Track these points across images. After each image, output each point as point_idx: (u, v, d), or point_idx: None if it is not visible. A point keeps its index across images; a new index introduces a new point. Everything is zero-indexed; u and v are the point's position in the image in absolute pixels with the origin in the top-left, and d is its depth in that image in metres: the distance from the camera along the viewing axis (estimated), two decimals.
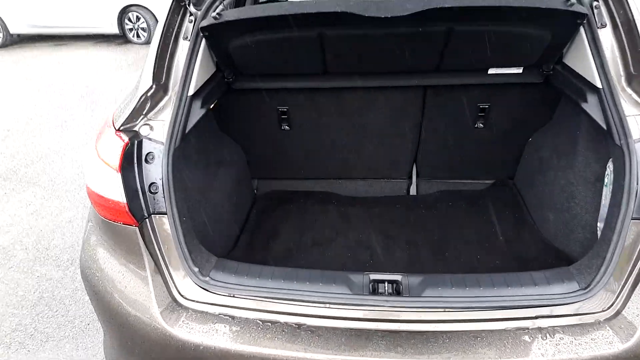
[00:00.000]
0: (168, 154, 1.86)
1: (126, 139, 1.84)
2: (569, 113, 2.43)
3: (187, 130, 1.98)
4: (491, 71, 2.41)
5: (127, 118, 1.91)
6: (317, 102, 2.67)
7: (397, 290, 1.79)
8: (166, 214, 1.82)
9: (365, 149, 2.89)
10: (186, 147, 2.14)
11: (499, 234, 2.62)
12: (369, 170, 3.02)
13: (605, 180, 2.02)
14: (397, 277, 1.82)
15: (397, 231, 2.71)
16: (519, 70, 2.40)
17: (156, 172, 1.84)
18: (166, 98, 1.99)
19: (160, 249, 1.82)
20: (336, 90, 2.60)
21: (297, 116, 2.74)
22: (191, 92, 2.01)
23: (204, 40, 2.09)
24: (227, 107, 2.69)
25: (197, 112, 2.06)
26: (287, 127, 2.79)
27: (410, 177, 3.06)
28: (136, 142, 1.85)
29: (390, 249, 2.57)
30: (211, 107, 2.22)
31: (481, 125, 2.71)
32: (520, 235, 2.57)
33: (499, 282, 1.80)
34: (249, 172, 3.04)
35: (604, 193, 2.06)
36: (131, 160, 1.83)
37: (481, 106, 2.62)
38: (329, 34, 2.12)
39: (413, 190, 3.05)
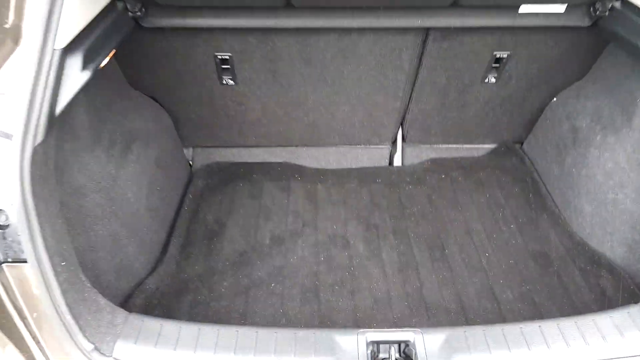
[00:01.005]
0: (22, 157, 1.07)
1: None
2: (622, 70, 1.79)
3: (57, 110, 1.18)
4: (523, 9, 1.70)
5: None
6: (273, 48, 1.87)
7: (408, 357, 1.20)
8: (27, 261, 1.07)
9: (340, 108, 2.16)
10: (64, 131, 1.35)
11: (509, 221, 2.05)
12: (342, 136, 2.32)
13: None
14: (406, 334, 1.22)
15: (380, 217, 2.09)
16: (562, 9, 1.70)
17: (1, 191, 1.07)
18: (16, 53, 1.15)
19: (25, 321, 1.09)
20: (302, 32, 1.81)
21: (244, 66, 1.94)
22: (62, 42, 1.17)
23: None
24: (138, 53, 1.84)
25: (77, 76, 1.24)
26: (230, 80, 1.99)
27: (395, 143, 2.39)
28: None
29: (373, 246, 1.96)
30: (102, 64, 1.39)
31: (493, 79, 2.04)
32: (538, 224, 2.01)
33: (553, 336, 1.23)
34: (180, 140, 2.26)
35: None
36: None
37: (498, 55, 1.93)
38: None
39: (397, 160, 2.39)
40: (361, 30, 1.80)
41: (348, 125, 2.24)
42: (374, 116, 2.20)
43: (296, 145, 2.36)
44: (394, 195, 2.21)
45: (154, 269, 1.79)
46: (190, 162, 2.35)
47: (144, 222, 1.76)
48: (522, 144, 2.40)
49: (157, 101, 2.05)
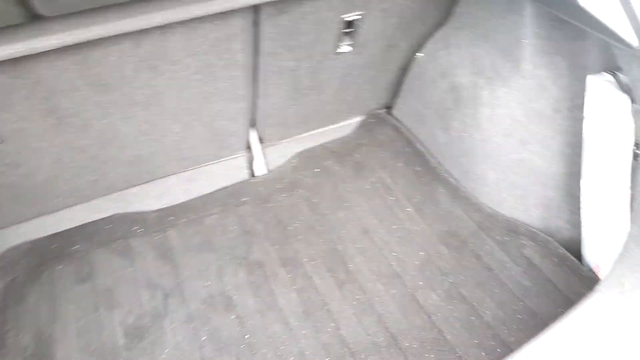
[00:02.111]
0: None
1: None
2: (493, 7, 1.52)
3: None
4: None
5: None
6: (40, 80, 1.22)
7: None
8: None
9: (168, 130, 1.60)
10: None
11: (404, 204, 1.76)
12: (182, 161, 1.77)
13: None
14: None
15: (261, 248, 1.65)
16: None
17: None
18: None
19: None
20: (78, 50, 1.19)
21: (4, 116, 1.26)
22: None
23: None
24: None
25: None
26: None
27: (250, 148, 1.92)
28: None
29: (265, 292, 1.52)
30: None
31: (347, 47, 1.65)
32: (437, 200, 1.75)
33: None
34: None
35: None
36: None
37: (348, 19, 1.53)
38: None
39: (260, 167, 1.93)
40: (164, 28, 1.25)
41: (186, 147, 1.70)
42: (216, 127, 1.69)
43: (124, 188, 1.75)
44: (268, 213, 1.76)
45: None
46: None
47: None
48: (389, 107, 2.10)
49: None
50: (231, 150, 1.84)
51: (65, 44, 1.12)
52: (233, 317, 1.46)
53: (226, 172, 1.87)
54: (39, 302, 1.49)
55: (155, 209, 1.77)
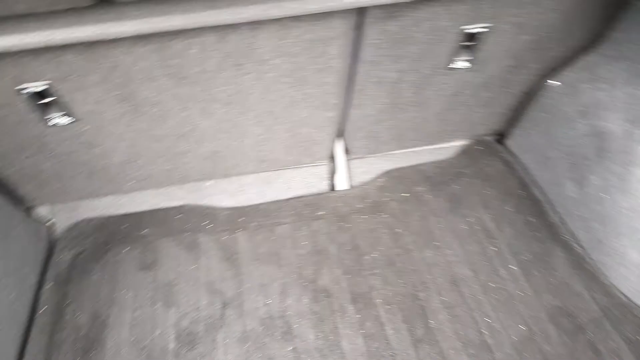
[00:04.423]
0: None
1: None
2: None
3: None
4: None
5: None
6: (117, 65, 1.15)
7: None
8: None
9: (249, 131, 1.49)
10: None
11: (507, 258, 1.47)
12: (261, 162, 1.65)
13: None
14: None
15: (331, 274, 1.49)
16: None
17: None
18: None
19: None
20: (157, 39, 1.10)
21: (79, 97, 1.22)
22: None
23: None
24: None
25: None
26: (63, 118, 1.27)
27: (332, 158, 1.75)
28: None
29: (328, 328, 1.37)
30: None
31: (464, 63, 1.41)
32: (552, 265, 1.44)
33: None
34: (15, 204, 1.52)
35: None
36: None
37: (470, 30, 1.29)
38: None
39: (341, 180, 1.76)
40: (254, 24, 1.11)
41: (266, 149, 1.58)
42: (300, 134, 1.55)
43: (199, 180, 1.68)
44: (344, 234, 1.59)
45: None
46: (50, 224, 1.63)
47: None
48: (501, 135, 1.81)
49: None
50: (313, 159, 1.68)
51: (142, 31, 1.02)
52: (290, 348, 1.32)
53: (305, 180, 1.73)
54: (101, 282, 1.47)
55: (227, 206, 1.68)
